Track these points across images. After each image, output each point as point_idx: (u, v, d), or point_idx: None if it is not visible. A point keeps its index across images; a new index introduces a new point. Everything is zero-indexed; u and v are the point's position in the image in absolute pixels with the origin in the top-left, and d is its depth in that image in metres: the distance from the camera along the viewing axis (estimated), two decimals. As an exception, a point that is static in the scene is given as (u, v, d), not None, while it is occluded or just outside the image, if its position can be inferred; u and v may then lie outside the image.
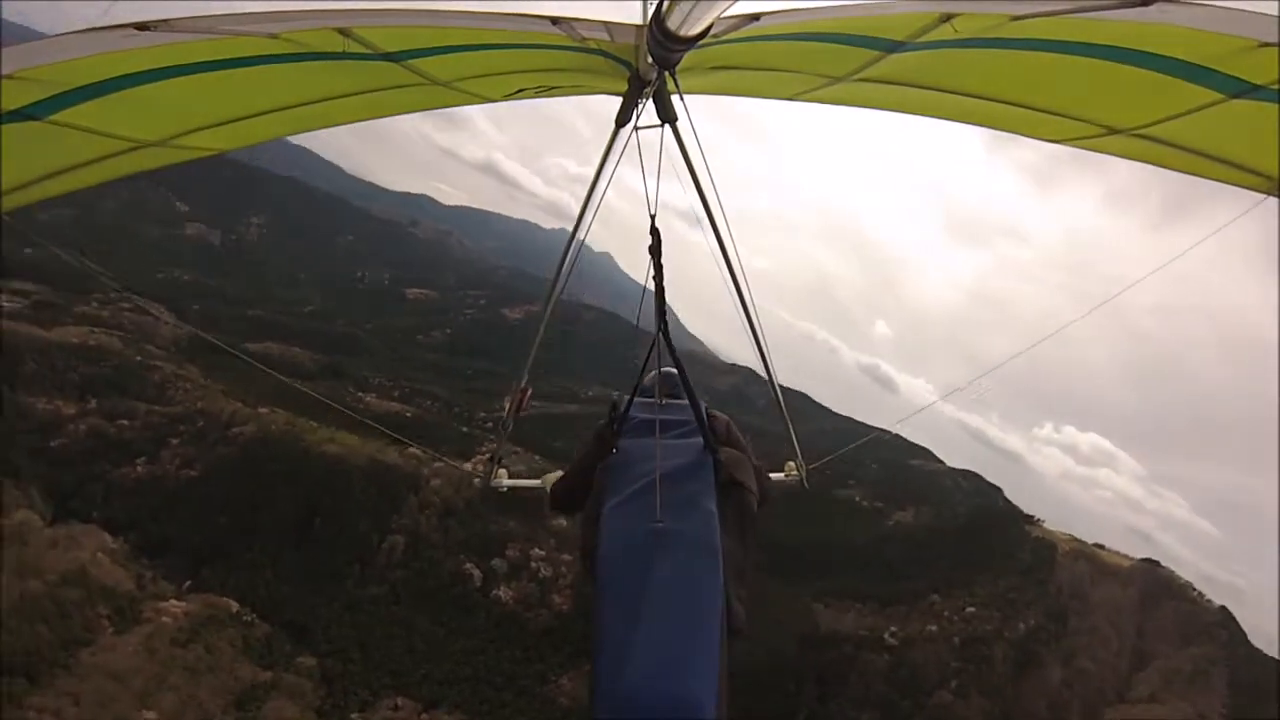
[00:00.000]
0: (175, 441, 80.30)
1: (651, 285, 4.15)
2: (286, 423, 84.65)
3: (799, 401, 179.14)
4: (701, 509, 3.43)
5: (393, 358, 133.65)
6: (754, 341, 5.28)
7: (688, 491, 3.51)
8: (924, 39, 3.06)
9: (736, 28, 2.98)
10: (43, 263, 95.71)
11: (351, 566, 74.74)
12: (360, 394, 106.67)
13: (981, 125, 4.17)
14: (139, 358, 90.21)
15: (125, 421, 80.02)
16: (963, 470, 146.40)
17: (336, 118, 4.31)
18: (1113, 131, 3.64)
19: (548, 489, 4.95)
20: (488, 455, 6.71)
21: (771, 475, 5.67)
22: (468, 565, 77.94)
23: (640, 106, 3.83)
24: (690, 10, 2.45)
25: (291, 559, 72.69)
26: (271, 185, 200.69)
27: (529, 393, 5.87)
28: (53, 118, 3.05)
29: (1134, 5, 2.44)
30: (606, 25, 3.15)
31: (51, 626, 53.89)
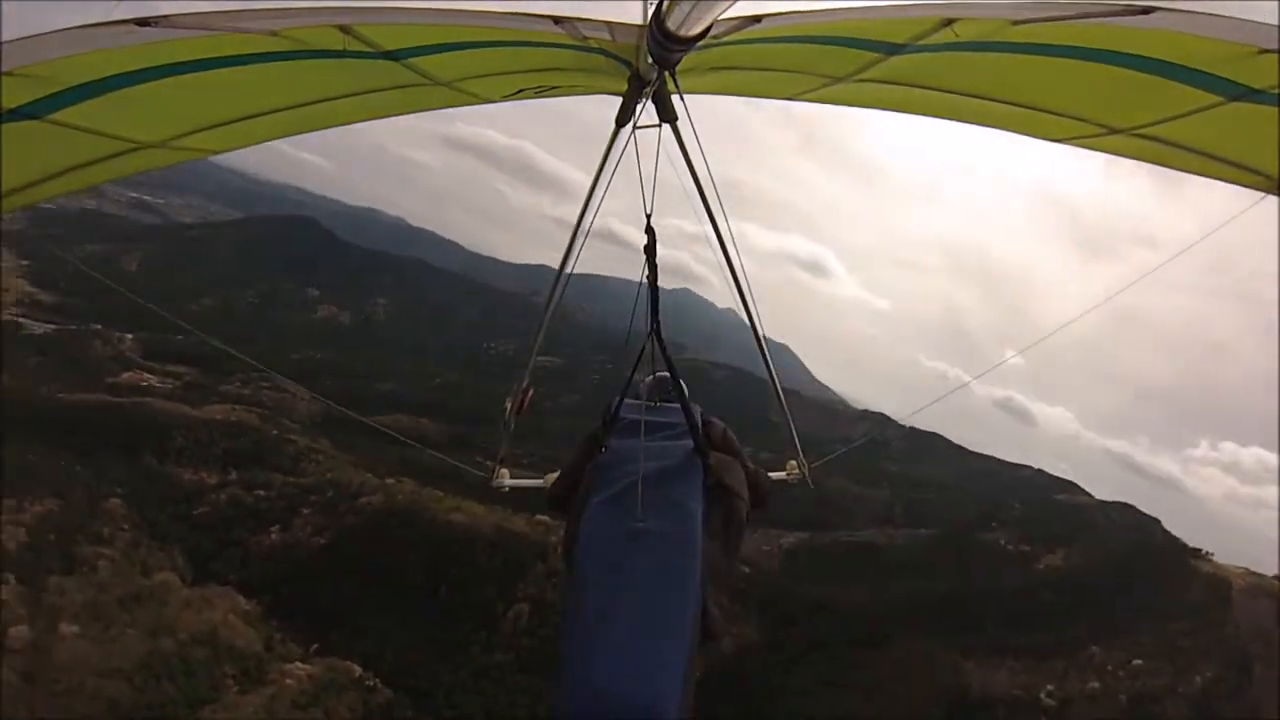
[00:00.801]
0: (307, 510, 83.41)
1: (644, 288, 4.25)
2: (413, 492, 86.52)
3: (933, 444, 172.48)
4: (684, 511, 3.43)
5: (521, 425, 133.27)
6: (755, 336, 5.38)
7: (672, 493, 3.50)
8: (925, 42, 3.09)
9: (736, 29, 2.98)
10: (191, 348, 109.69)
11: (477, 634, 74.19)
12: (489, 462, 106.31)
13: (983, 125, 4.17)
14: (275, 432, 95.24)
15: (262, 491, 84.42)
16: (1114, 502, 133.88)
17: (336, 118, 4.33)
18: (1113, 131, 3.69)
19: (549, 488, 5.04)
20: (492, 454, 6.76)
21: (772, 475, 5.69)
22: (592, 632, 76.05)
23: (640, 106, 3.81)
24: (690, 10, 2.45)
25: (417, 625, 72.71)
26: (396, 266, 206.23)
27: (531, 393, 6.00)
28: (52, 117, 3.04)
29: (1134, 13, 2.51)
30: (608, 25, 3.14)
31: (178, 684, 54.86)
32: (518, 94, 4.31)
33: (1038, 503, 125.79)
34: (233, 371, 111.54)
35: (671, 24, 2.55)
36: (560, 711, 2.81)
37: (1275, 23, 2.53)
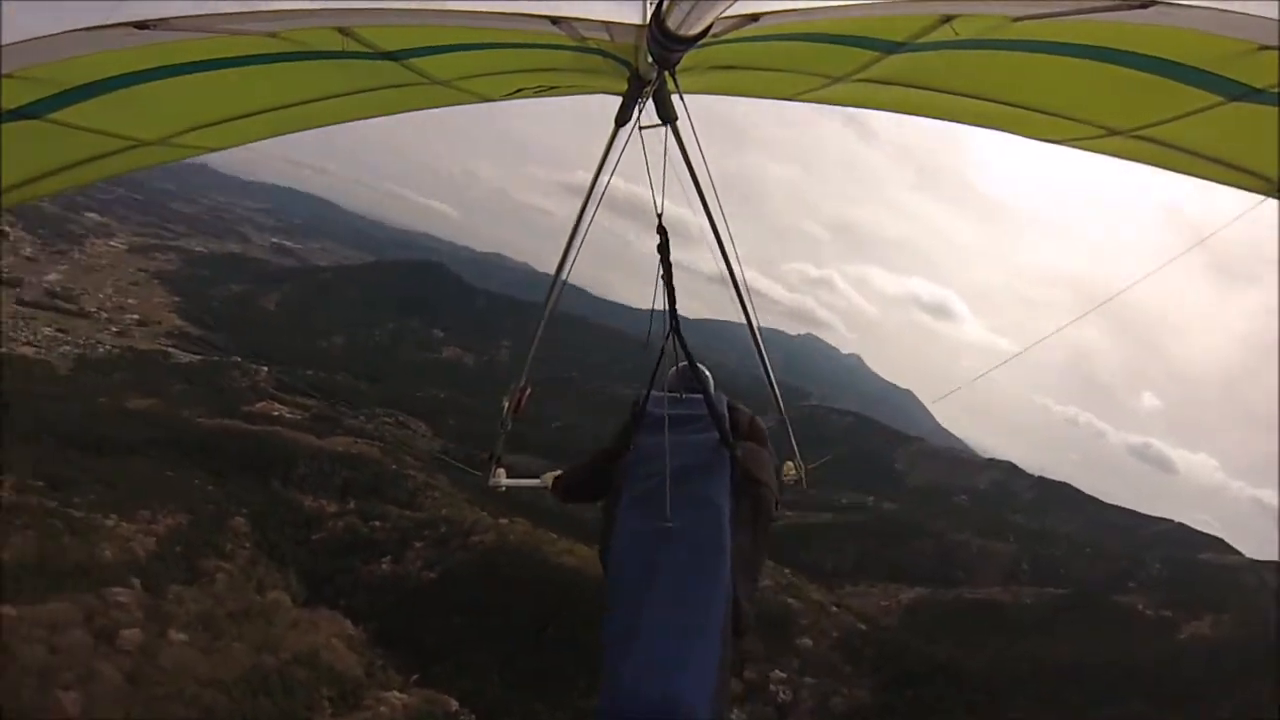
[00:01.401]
0: (420, 544, 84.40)
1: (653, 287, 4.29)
2: (526, 533, 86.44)
3: (1063, 494, 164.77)
4: (713, 506, 3.47)
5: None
6: (753, 340, 5.54)
7: (700, 488, 3.55)
8: (924, 40, 3.09)
9: (736, 28, 2.98)
10: (321, 382, 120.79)
11: (579, 677, 71.54)
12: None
13: (981, 126, 4.17)
14: (395, 466, 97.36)
15: (377, 522, 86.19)
16: (1269, 562, 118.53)
17: (335, 116, 4.35)
18: (1112, 133, 3.68)
19: (548, 486, 5.27)
20: (487, 455, 6.79)
21: None
22: (703, 686, 73.00)
23: (640, 106, 3.82)
24: (690, 10, 2.47)
25: (519, 664, 71.86)
26: (520, 310, 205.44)
27: (528, 392, 6.14)
28: (51, 116, 3.06)
29: (1133, 7, 2.51)
30: (606, 25, 3.15)
31: (275, 700, 55.16)
32: (517, 93, 4.33)
33: (1180, 561, 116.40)
34: (358, 406, 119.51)
35: (671, 23, 2.56)
36: (599, 712, 2.88)
37: (1275, 16, 2.49)
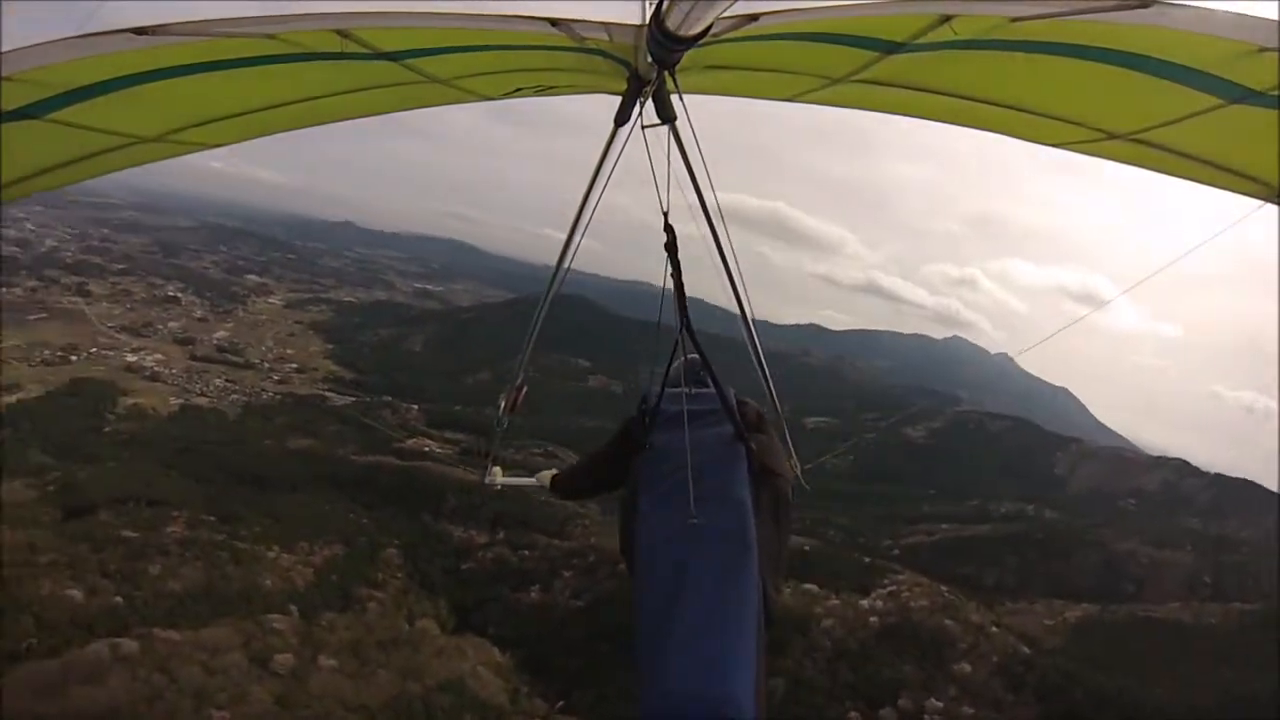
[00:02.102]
0: (568, 573, 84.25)
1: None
2: None
3: (1245, 492, 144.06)
4: (734, 500, 3.47)
5: (796, 490, 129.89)
6: (748, 338, 5.65)
7: (720, 483, 3.53)
8: (923, 40, 3.09)
9: (735, 28, 2.98)
10: (469, 417, 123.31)
11: (724, 705, 70.73)
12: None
13: (980, 128, 4.16)
14: (543, 497, 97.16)
15: (526, 552, 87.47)
16: None
17: (334, 114, 4.37)
18: (1111, 136, 3.67)
19: (546, 485, 5.35)
20: (484, 452, 6.94)
21: None
22: (853, 713, 69.40)
23: (640, 106, 3.82)
24: (690, 10, 2.47)
25: (665, 694, 70.66)
26: (666, 336, 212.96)
27: (525, 390, 6.25)
28: (50, 116, 3.08)
29: (1132, 6, 2.50)
30: (605, 26, 3.15)
31: None
32: (515, 92, 4.33)
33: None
34: (507, 438, 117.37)
35: (671, 24, 2.56)
36: (648, 716, 2.85)
37: (1275, 18, 2.49)
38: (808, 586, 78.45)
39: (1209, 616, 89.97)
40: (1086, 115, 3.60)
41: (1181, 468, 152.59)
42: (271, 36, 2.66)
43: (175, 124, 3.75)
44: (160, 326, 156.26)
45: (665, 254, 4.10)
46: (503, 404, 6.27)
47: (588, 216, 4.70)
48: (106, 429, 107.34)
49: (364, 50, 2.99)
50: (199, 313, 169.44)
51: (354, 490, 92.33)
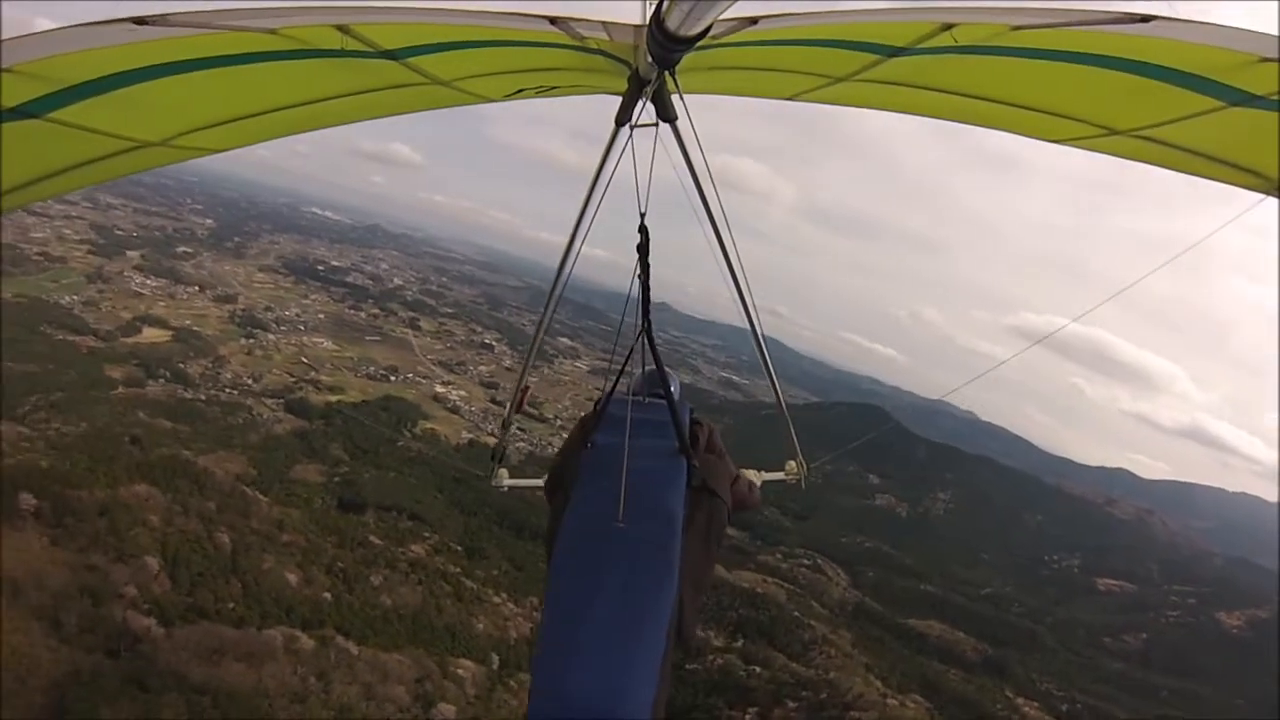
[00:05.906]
0: (793, 705, 75.23)
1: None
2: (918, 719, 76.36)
3: None
4: (665, 512, 3.44)
5: (1071, 661, 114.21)
6: (755, 342, 5.45)
7: (654, 494, 3.50)
8: (924, 46, 3.09)
9: (734, 30, 2.98)
10: (744, 514, 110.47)
11: None
12: (1018, 699, 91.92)
13: (982, 125, 4.17)
14: (797, 613, 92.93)
15: (757, 668, 79.71)
16: None
17: (338, 118, 4.34)
18: (1112, 133, 3.66)
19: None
20: (491, 454, 6.93)
21: (769, 476, 6.09)
22: None
23: (640, 106, 3.80)
24: (690, 10, 2.46)
25: None
26: (961, 462, 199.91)
27: (529, 390, 6.20)
28: (51, 116, 3.04)
29: (1134, 22, 2.50)
30: (605, 25, 3.15)
31: None
32: (518, 93, 4.31)
33: None
34: (776, 542, 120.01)
35: (671, 24, 2.55)
36: (534, 715, 2.84)
37: (1275, 33, 2.52)
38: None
39: None
40: (1088, 113, 3.61)
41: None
42: (272, 31, 2.66)
43: (179, 128, 3.75)
44: (471, 367, 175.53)
45: (636, 255, 4.09)
46: (509, 405, 6.30)
47: (588, 220, 4.66)
48: (400, 443, 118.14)
49: (364, 48, 3.00)
50: (508, 362, 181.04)
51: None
